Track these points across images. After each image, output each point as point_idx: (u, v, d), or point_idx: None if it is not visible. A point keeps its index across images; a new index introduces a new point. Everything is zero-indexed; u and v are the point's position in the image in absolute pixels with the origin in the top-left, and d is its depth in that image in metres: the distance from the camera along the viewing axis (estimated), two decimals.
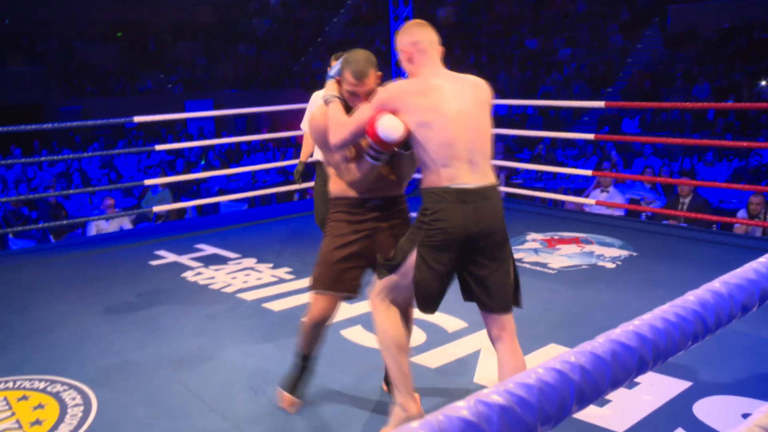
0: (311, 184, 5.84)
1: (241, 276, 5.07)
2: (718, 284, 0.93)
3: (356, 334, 3.94)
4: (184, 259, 5.57)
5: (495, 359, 3.50)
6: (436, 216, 2.56)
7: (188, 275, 5.14)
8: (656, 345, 0.72)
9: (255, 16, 29.70)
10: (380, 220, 2.93)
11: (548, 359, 0.61)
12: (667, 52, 17.60)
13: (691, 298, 0.86)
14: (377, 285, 2.88)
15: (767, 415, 1.22)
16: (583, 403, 0.61)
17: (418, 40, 2.69)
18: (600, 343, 0.67)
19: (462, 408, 0.55)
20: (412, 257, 2.67)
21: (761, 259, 1.08)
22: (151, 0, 27.16)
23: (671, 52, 17.46)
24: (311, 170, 5.68)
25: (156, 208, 7.26)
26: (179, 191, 10.46)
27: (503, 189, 8.43)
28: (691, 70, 15.84)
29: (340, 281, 2.94)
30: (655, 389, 3.20)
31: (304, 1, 29.38)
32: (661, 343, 0.73)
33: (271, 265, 5.31)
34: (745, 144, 6.82)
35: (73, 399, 3.23)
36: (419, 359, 3.58)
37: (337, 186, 2.91)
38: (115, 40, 27.02)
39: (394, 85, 2.66)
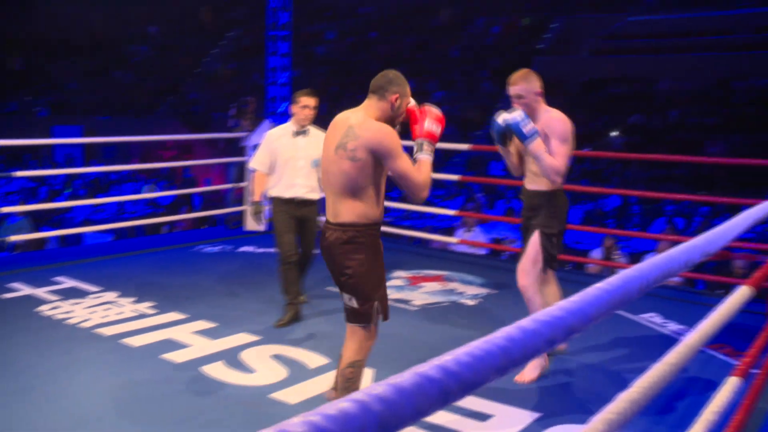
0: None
1: (101, 310, 4.90)
2: (527, 321, 1.04)
3: (217, 371, 3.90)
4: (40, 292, 5.32)
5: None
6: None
7: (43, 309, 4.91)
8: (461, 377, 0.80)
9: (133, 43, 28.97)
10: None
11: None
12: None
13: (500, 334, 0.96)
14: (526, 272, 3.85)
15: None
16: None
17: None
18: (406, 376, 0.74)
19: None
20: None
21: (572, 298, 1.21)
22: (23, 16, 25.95)
23: None
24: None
25: (12, 238, 6.90)
26: (40, 220, 9.99)
27: None
28: None
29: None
30: (506, 421, 3.36)
31: (183, 31, 28.96)
32: (466, 376, 0.81)
33: (134, 299, 5.17)
34: (595, 189, 7.29)
35: None
36: (279, 395, 3.59)
37: (375, 210, 3.02)
38: None
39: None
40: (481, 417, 3.38)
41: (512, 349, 0.94)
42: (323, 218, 3.11)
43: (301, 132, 4.79)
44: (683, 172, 13.73)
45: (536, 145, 3.68)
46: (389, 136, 2.93)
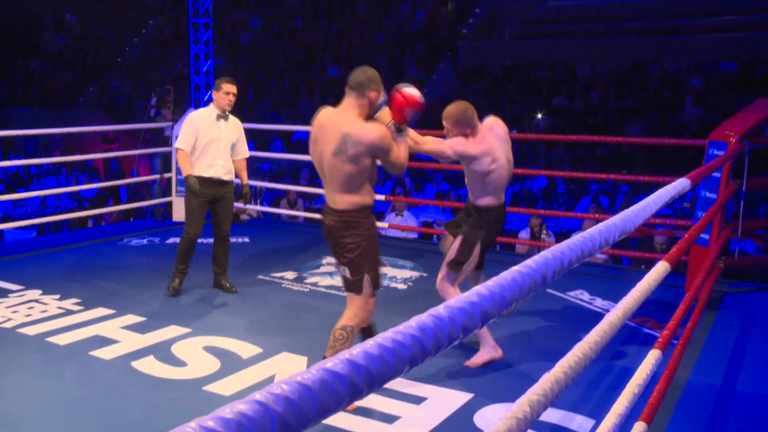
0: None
1: (24, 309, 4.75)
2: (441, 309, 1.04)
3: (149, 365, 3.83)
4: None
5: None
6: None
7: None
8: (369, 371, 0.80)
9: (49, 31, 27.90)
10: None
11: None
12: (459, 84, 18.72)
13: (413, 323, 0.96)
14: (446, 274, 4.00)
15: (505, 421, 1.36)
16: None
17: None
18: (311, 373, 0.73)
19: None
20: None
21: (488, 282, 1.22)
22: None
23: (462, 85, 18.59)
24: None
25: None
26: None
27: (301, 214, 8.55)
28: (479, 102, 16.97)
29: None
30: (440, 403, 3.41)
31: (103, 19, 28.04)
32: (375, 369, 0.81)
33: (57, 296, 5.03)
34: (521, 171, 7.44)
35: None
36: (213, 387, 3.56)
37: (368, 198, 3.41)
38: None
39: None
40: (416, 400, 3.43)
41: (425, 339, 0.94)
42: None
43: (222, 116, 5.11)
44: (605, 153, 14.11)
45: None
46: (385, 137, 3.27)
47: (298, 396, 0.67)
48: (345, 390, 0.74)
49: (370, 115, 3.36)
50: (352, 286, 3.41)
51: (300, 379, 0.69)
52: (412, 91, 3.41)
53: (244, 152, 5.28)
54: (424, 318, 1.00)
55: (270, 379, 3.66)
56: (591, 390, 3.57)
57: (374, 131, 3.24)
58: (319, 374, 0.71)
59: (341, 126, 3.27)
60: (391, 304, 4.97)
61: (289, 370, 3.78)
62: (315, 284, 5.44)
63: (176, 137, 7.72)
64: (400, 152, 3.37)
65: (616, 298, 5.08)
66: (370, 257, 3.40)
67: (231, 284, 5.29)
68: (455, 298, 1.13)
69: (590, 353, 2.00)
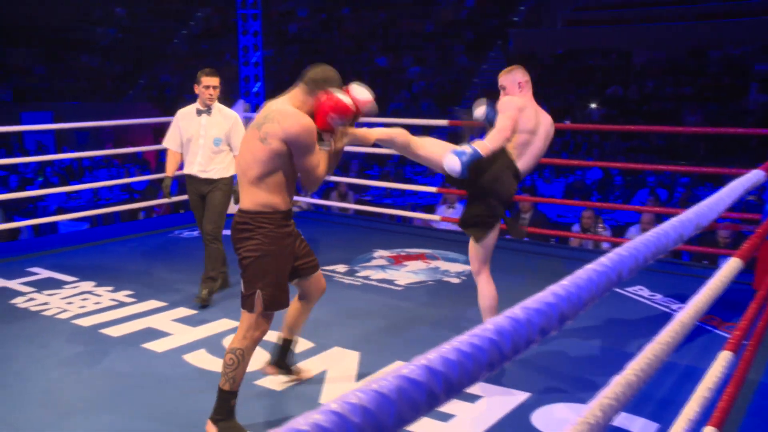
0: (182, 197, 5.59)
1: (78, 301, 4.79)
2: (518, 310, 0.96)
3: (200, 358, 3.82)
4: (14, 284, 5.19)
5: (341, 379, 3.52)
6: None
7: (18, 302, 4.79)
8: (447, 378, 0.73)
9: (99, 25, 28.42)
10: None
11: (336, 397, 0.61)
12: None
13: (489, 326, 0.88)
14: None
15: (576, 427, 1.27)
16: None
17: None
18: (387, 380, 0.66)
19: None
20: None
21: (562, 282, 1.13)
22: None
23: None
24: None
25: None
26: (12, 210, 9.79)
27: (352, 206, 8.49)
28: None
29: (287, 294, 3.08)
30: (496, 402, 3.32)
31: (151, 12, 28.46)
32: (453, 376, 0.73)
33: (111, 288, 5.07)
34: (577, 162, 7.26)
35: None
36: (264, 381, 3.52)
37: (277, 199, 2.94)
38: None
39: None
40: (471, 398, 3.34)
41: (502, 343, 0.86)
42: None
43: (203, 111, 4.82)
44: (661, 143, 13.74)
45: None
46: (307, 131, 2.86)
47: (376, 406, 0.61)
48: (423, 398, 0.67)
49: (310, 116, 2.95)
50: (243, 301, 3.00)
51: (377, 387, 0.62)
52: (344, 97, 2.95)
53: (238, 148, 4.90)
54: (500, 320, 0.92)
55: (322, 375, 3.61)
56: (652, 391, 3.43)
57: (299, 120, 2.84)
58: (396, 381, 0.64)
59: (272, 105, 2.95)
60: (443, 298, 4.89)
61: (340, 365, 3.72)
62: (367, 277, 5.38)
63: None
64: (320, 167, 2.96)
65: (677, 294, 4.92)
66: (265, 270, 2.94)
67: (207, 294, 4.73)
68: (530, 300, 1.05)
69: (662, 355, 1.88)
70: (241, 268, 2.98)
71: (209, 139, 4.80)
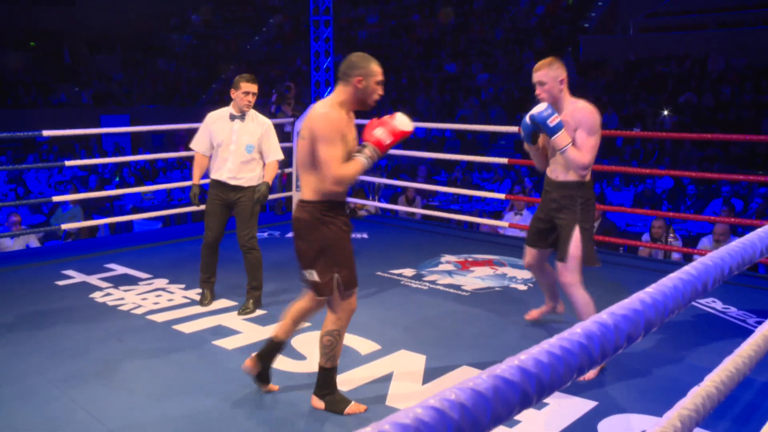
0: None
1: (152, 297, 4.94)
2: (605, 315, 0.96)
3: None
4: (93, 279, 5.39)
5: (407, 382, 3.54)
6: None
7: (96, 296, 4.97)
8: (540, 379, 0.74)
9: (175, 32, 29.25)
10: None
11: (445, 389, 0.62)
12: (579, 80, 18.22)
13: (578, 330, 0.89)
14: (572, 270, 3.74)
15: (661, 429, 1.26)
16: None
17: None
18: (483, 379, 0.68)
19: None
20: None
21: (648, 289, 1.13)
22: (67, 9, 26.39)
23: (583, 81, 18.08)
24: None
25: (65, 226, 7.01)
26: (91, 208, 10.14)
27: (419, 211, 8.50)
28: (600, 98, 16.46)
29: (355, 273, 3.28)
30: (562, 409, 3.28)
31: (225, 19, 29.13)
32: (545, 378, 0.74)
33: (183, 285, 5.21)
34: (648, 171, 7.12)
35: None
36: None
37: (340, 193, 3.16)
38: (28, 48, 26.09)
39: None
40: (537, 405, 3.31)
41: (591, 347, 0.87)
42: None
43: (237, 116, 4.70)
44: (739, 152, 13.31)
45: (561, 138, 3.58)
46: (325, 122, 3.03)
47: (473, 403, 0.63)
48: (517, 398, 0.69)
49: (363, 102, 3.18)
50: (322, 289, 3.18)
51: (473, 386, 0.64)
52: (382, 132, 3.14)
53: (273, 154, 4.80)
54: (589, 325, 0.92)
55: (388, 377, 3.63)
56: (726, 407, 3.33)
57: (321, 113, 3.06)
58: (491, 381, 0.66)
59: (316, 106, 3.18)
60: (510, 305, 4.86)
61: (407, 367, 3.74)
62: (434, 282, 5.38)
63: (297, 133, 7.88)
64: (343, 166, 3.05)
65: (751, 308, 4.77)
66: (340, 254, 3.15)
67: (254, 304, 4.73)
68: (617, 306, 1.05)
69: (743, 368, 1.84)
70: (309, 258, 3.14)
71: (241, 145, 4.67)
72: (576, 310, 3.78)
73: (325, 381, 3.26)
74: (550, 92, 3.69)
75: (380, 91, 3.25)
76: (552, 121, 3.56)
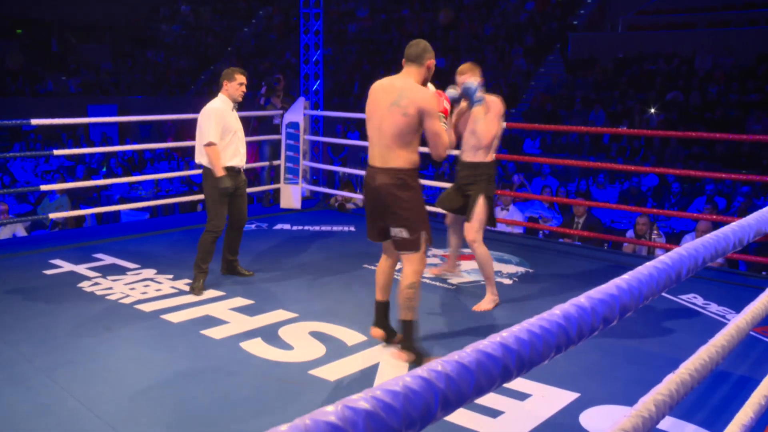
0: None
1: (140, 287, 4.97)
2: (583, 299, 1.02)
3: (256, 347, 3.93)
4: (81, 269, 5.41)
5: (394, 372, 3.59)
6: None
7: (84, 285, 5.00)
8: (520, 355, 0.79)
9: (164, 22, 29.12)
10: None
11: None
12: (568, 77, 18.31)
13: (557, 311, 0.94)
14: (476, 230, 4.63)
15: (630, 419, 1.32)
16: (447, 409, 0.67)
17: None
18: (467, 353, 0.72)
19: (330, 413, 0.60)
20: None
21: (624, 276, 1.18)
22: None
23: (572, 78, 18.17)
24: None
25: (52, 215, 7.02)
26: (78, 198, 10.14)
27: None
28: (588, 96, 16.54)
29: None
30: (545, 400, 3.35)
31: (215, 10, 29.02)
32: (525, 354, 0.79)
33: (171, 276, 5.24)
34: (634, 168, 7.20)
35: None
36: (318, 372, 3.61)
37: (417, 157, 3.67)
38: (15, 36, 25.91)
39: None
40: (520, 396, 3.37)
41: (569, 328, 0.92)
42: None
43: (235, 107, 5.14)
44: (723, 151, 13.45)
45: (479, 110, 4.57)
46: (433, 100, 3.58)
47: (457, 374, 0.67)
48: (498, 371, 0.74)
49: (425, 82, 3.73)
50: (410, 245, 3.64)
51: (458, 359, 0.69)
52: (444, 103, 3.79)
53: None
54: (567, 307, 0.98)
55: (374, 367, 3.68)
56: (704, 398, 3.41)
57: (426, 92, 3.59)
58: (475, 355, 0.71)
59: (400, 85, 3.62)
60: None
61: (393, 359, 3.79)
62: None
63: (286, 125, 7.91)
64: (447, 133, 3.71)
65: (732, 304, 4.86)
66: (423, 214, 3.66)
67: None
68: (594, 291, 1.10)
69: (716, 357, 1.91)
70: (401, 218, 3.61)
71: (242, 131, 5.17)
72: (478, 261, 4.70)
73: (408, 332, 3.68)
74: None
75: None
76: (478, 95, 4.49)
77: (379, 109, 3.63)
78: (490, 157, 4.75)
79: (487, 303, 4.70)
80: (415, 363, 3.61)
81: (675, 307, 4.83)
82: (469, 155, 4.77)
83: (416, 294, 3.67)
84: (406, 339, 3.69)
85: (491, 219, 4.84)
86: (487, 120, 4.59)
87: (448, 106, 3.80)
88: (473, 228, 4.68)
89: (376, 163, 3.64)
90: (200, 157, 5.06)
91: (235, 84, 5.02)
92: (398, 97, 3.55)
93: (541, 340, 0.83)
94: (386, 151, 3.59)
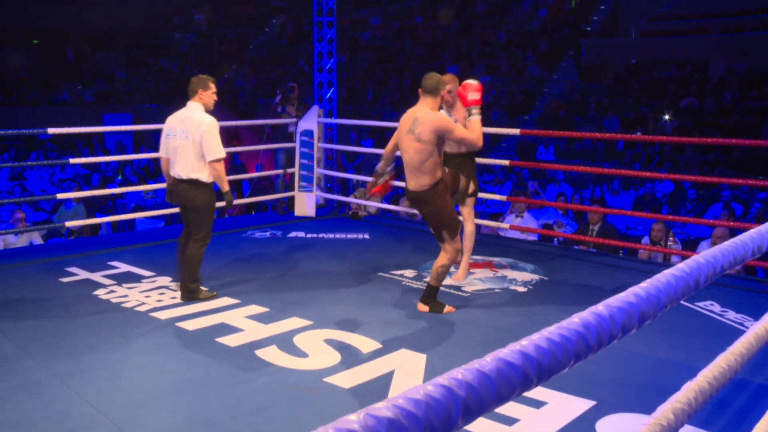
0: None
1: (155, 294, 4.99)
2: (601, 307, 1.01)
3: (271, 354, 3.94)
4: (97, 277, 5.44)
5: (408, 380, 3.59)
6: None
7: (100, 293, 5.02)
8: (540, 363, 0.79)
9: (178, 31, 29.33)
10: None
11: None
12: (581, 83, 18.27)
13: (576, 319, 0.94)
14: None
15: (648, 427, 1.31)
16: (468, 417, 0.67)
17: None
18: (487, 361, 0.72)
19: (353, 422, 0.60)
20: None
21: (642, 284, 1.18)
22: (70, 7, 26.47)
23: (585, 84, 18.13)
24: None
25: (69, 223, 7.07)
26: (94, 206, 10.20)
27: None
28: (602, 102, 16.49)
29: None
30: (560, 408, 3.33)
31: (228, 19, 29.20)
32: (545, 362, 0.79)
33: None
34: (650, 174, 7.16)
35: None
36: (333, 380, 3.61)
37: (437, 173, 4.48)
38: (30, 46, 26.16)
39: None
40: (536, 404, 3.35)
41: (588, 336, 0.92)
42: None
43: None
44: (739, 156, 13.35)
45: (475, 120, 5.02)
46: (442, 117, 4.38)
47: (478, 383, 0.67)
48: (518, 380, 0.74)
49: (438, 107, 4.48)
50: (444, 238, 4.57)
51: (479, 367, 0.69)
52: (475, 94, 4.74)
53: None
54: (586, 315, 0.97)
55: (389, 375, 3.68)
56: (722, 407, 3.38)
57: (436, 115, 4.34)
58: (495, 363, 0.71)
59: (415, 113, 4.38)
60: (510, 306, 4.91)
61: (408, 366, 3.79)
62: None
63: (300, 133, 7.94)
64: (471, 131, 4.56)
65: (750, 311, 4.82)
66: (447, 214, 4.56)
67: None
68: (613, 299, 1.10)
69: (735, 365, 1.89)
70: (437, 220, 4.55)
71: None
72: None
73: (430, 294, 4.67)
74: (454, 97, 5.11)
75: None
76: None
77: (402, 136, 4.43)
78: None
79: (464, 272, 5.49)
80: (436, 312, 4.65)
81: (692, 314, 4.80)
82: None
83: (445, 271, 4.62)
84: (427, 296, 4.68)
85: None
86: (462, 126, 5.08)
87: (477, 95, 4.68)
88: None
89: (408, 186, 4.56)
90: (193, 172, 4.91)
91: (210, 92, 4.98)
92: (413, 125, 4.32)
93: (560, 348, 0.83)
94: (410, 175, 4.46)
